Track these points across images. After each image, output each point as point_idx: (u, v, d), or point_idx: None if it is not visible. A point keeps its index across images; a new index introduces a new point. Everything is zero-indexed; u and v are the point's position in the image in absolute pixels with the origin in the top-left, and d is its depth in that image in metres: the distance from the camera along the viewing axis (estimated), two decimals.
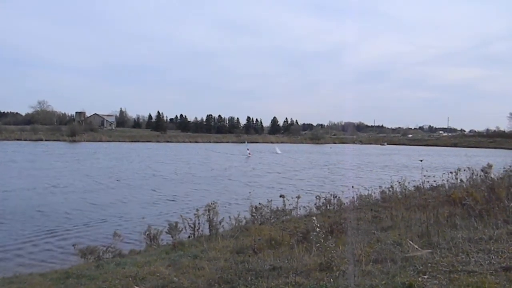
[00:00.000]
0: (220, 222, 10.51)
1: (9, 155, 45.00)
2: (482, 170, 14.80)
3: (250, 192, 14.57)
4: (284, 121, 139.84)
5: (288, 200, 12.11)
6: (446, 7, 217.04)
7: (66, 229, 13.46)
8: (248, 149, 52.89)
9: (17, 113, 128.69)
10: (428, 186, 13.92)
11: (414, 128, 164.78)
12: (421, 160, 12.37)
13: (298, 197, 12.29)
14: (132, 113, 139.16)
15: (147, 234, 10.46)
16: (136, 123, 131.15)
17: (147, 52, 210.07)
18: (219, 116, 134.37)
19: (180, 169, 34.29)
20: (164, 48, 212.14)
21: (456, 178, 14.75)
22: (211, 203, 10.43)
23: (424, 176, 11.97)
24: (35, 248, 11.51)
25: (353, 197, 13.55)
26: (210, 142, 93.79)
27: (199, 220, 10.31)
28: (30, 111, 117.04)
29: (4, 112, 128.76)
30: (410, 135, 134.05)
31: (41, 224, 14.12)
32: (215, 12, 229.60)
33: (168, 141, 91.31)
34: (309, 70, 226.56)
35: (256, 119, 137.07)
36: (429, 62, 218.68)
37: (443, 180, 14.87)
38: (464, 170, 15.50)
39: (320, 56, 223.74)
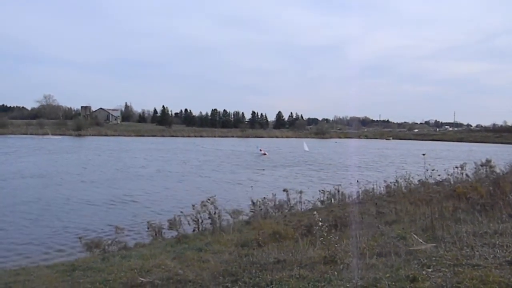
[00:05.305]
0: (224, 216, 10.55)
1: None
2: (482, 165, 14.77)
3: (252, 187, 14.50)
4: (289, 116, 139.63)
5: (291, 194, 12.14)
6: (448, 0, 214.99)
7: (70, 222, 13.56)
8: (261, 149, 47.39)
9: (23, 107, 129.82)
10: (433, 181, 13.88)
11: (420, 123, 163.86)
12: (423, 154, 12.36)
13: (301, 192, 12.32)
14: (137, 108, 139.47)
15: (152, 228, 10.52)
16: (141, 118, 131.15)
17: (152, 47, 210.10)
18: (224, 110, 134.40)
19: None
20: (168, 42, 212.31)
21: (462, 173, 14.68)
22: (212, 197, 10.45)
23: (426, 170, 12.03)
24: (42, 241, 11.60)
25: (357, 192, 13.54)
26: (215, 136, 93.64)
27: (202, 214, 10.35)
28: (36, 105, 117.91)
29: (10, 107, 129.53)
30: (416, 130, 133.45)
31: (49, 216, 14.24)
32: (219, 7, 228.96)
33: (173, 136, 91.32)
34: (313, 64, 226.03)
35: (261, 114, 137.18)
36: (433, 56, 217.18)
37: (448, 174, 14.82)
38: (462, 166, 15.15)
39: (324, 50, 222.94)
